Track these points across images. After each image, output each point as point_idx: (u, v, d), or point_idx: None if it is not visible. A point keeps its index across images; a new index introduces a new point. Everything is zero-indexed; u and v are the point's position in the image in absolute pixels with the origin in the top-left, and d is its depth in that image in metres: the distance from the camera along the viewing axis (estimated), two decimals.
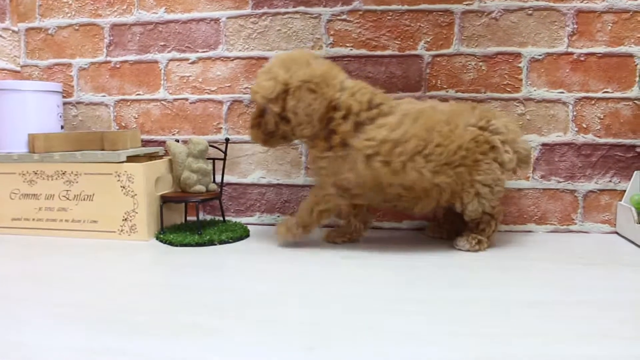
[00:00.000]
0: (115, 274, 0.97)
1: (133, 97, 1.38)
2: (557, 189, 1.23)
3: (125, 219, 1.20)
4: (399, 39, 1.25)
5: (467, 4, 1.22)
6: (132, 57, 1.37)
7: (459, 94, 1.24)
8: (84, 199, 1.23)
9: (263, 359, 0.61)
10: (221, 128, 1.34)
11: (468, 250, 1.07)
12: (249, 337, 0.67)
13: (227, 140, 1.26)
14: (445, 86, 1.25)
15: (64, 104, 1.40)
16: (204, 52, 1.33)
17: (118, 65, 1.38)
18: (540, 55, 1.21)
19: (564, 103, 1.22)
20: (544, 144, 1.23)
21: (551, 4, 1.20)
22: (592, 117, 1.21)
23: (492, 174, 1.03)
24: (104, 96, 1.40)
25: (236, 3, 1.31)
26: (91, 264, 1.03)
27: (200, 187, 1.22)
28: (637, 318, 0.72)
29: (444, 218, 1.19)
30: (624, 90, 1.20)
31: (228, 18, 1.31)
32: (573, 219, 1.23)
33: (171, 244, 1.16)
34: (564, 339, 0.65)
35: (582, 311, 0.75)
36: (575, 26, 1.20)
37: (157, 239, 1.20)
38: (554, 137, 1.22)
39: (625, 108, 1.20)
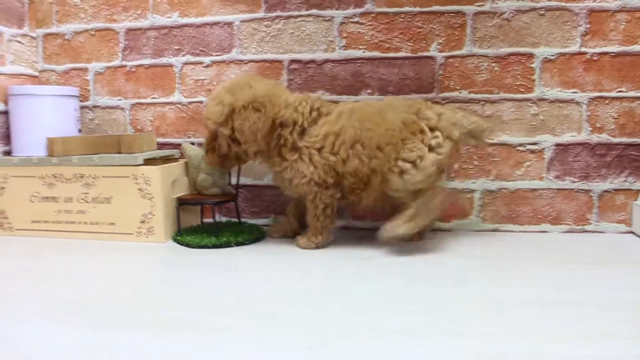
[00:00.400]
0: (134, 273, 0.98)
1: (148, 100, 1.40)
2: (572, 189, 1.23)
3: (143, 221, 1.22)
4: (412, 41, 1.26)
5: (479, 5, 1.23)
6: (147, 61, 1.39)
7: (472, 95, 1.25)
8: (102, 202, 1.24)
9: (275, 358, 0.63)
10: None
11: (402, 234, 1.05)
12: (261, 336, 0.68)
13: None
14: (458, 87, 1.25)
15: (81, 107, 1.42)
16: (218, 55, 1.35)
17: (133, 69, 1.40)
18: (553, 56, 1.22)
19: (578, 103, 1.22)
20: (557, 144, 1.23)
21: (563, 3, 1.20)
22: (606, 116, 1.21)
23: (417, 151, 1.05)
24: (119, 100, 1.42)
25: (249, 7, 1.32)
26: (109, 264, 1.05)
27: (215, 190, 1.23)
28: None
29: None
30: (638, 89, 1.20)
31: (241, 22, 1.33)
32: (588, 219, 1.23)
33: (188, 245, 1.17)
34: (565, 338, 0.66)
35: (585, 310, 0.75)
36: (588, 26, 1.20)
37: (174, 240, 1.22)
38: (567, 137, 1.23)
39: (639, 107, 1.20)
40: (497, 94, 1.24)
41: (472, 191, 1.27)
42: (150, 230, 1.22)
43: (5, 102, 1.34)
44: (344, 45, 1.29)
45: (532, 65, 1.22)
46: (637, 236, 1.19)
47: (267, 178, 1.35)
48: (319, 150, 1.08)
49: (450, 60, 1.25)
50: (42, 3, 1.43)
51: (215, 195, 1.23)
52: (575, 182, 1.23)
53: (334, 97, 1.29)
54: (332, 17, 1.28)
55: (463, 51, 1.25)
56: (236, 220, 1.33)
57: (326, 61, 1.30)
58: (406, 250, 1.09)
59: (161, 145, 1.39)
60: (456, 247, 1.12)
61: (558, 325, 0.70)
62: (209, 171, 1.23)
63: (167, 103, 1.38)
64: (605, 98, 1.20)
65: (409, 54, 1.26)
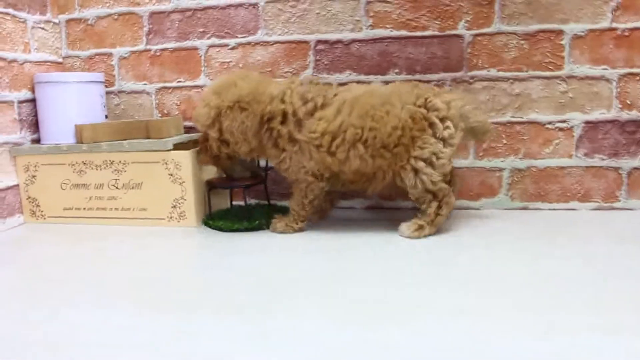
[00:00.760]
0: (170, 257, 1.00)
1: (174, 84, 1.40)
2: (601, 167, 1.24)
3: (174, 206, 1.23)
4: (439, 19, 1.25)
5: None
6: (171, 45, 1.38)
7: (501, 73, 1.24)
8: (132, 188, 1.25)
9: (322, 336, 0.64)
10: None
11: (409, 237, 1.06)
12: (328, 314, 0.70)
13: None
14: (486, 65, 1.25)
15: (106, 93, 1.42)
16: (243, 37, 1.34)
17: (158, 53, 1.39)
18: (582, 32, 1.21)
19: (608, 80, 1.21)
20: (587, 122, 1.23)
21: None
22: (637, 93, 1.20)
23: (430, 148, 1.03)
24: (145, 84, 1.41)
25: None
26: (143, 248, 1.07)
27: (246, 173, 1.24)
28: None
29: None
30: None
31: (266, 2, 1.32)
32: (617, 196, 1.24)
33: (220, 229, 1.18)
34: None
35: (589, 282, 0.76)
36: (619, 1, 1.18)
37: (205, 224, 1.23)
38: (597, 115, 1.22)
39: None
40: (526, 71, 1.23)
41: (501, 169, 1.27)
42: (181, 215, 1.23)
43: (32, 90, 1.33)
44: (370, 25, 1.28)
45: (561, 42, 1.21)
46: None
47: None
48: (317, 147, 1.06)
49: (479, 38, 1.24)
50: None
51: (245, 178, 1.24)
52: (604, 159, 1.23)
53: (362, 77, 1.29)
54: None
55: (491, 29, 1.24)
56: (265, 202, 1.33)
57: (353, 41, 1.29)
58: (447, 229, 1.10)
59: (188, 129, 1.39)
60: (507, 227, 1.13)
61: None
62: None
63: (194, 86, 1.38)
64: (636, 74, 1.20)
65: (437, 33, 1.26)
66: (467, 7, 1.24)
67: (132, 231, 1.21)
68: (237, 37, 1.34)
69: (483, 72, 1.25)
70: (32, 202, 1.32)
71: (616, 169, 1.23)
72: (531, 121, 1.25)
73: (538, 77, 1.23)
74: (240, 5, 1.33)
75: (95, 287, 0.86)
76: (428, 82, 1.26)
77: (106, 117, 1.39)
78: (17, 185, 1.31)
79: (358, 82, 1.29)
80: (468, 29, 1.24)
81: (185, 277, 0.90)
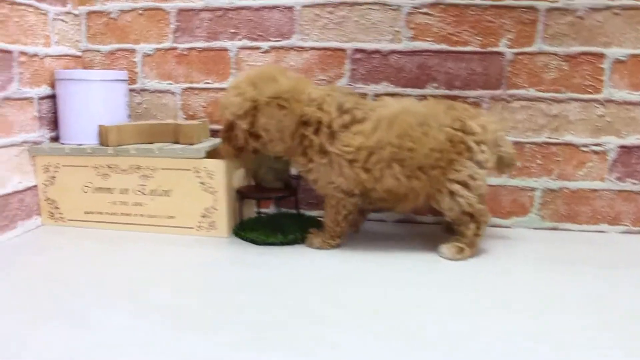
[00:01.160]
0: (203, 270, 0.97)
1: (201, 85, 1.35)
2: (632, 191, 1.25)
3: (204, 215, 1.20)
4: (481, 35, 1.23)
5: (552, 1, 1.20)
6: (200, 44, 1.33)
7: (539, 93, 1.23)
8: (160, 194, 1.21)
9: None
10: None
11: (450, 259, 1.06)
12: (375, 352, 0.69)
13: None
14: (525, 85, 1.24)
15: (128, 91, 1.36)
16: (276, 41, 1.30)
17: (185, 52, 1.34)
18: (624, 57, 1.20)
19: None
20: (621, 146, 1.23)
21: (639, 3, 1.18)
22: None
23: (466, 170, 1.03)
24: (170, 84, 1.36)
25: None
26: (172, 257, 1.05)
27: (279, 183, 1.21)
28: None
29: None
30: None
31: (303, 7, 1.27)
32: None
33: (254, 242, 1.15)
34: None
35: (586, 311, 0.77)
36: None
37: (236, 235, 1.20)
38: (632, 140, 1.23)
39: None
40: (564, 93, 1.23)
41: (533, 189, 1.27)
42: (212, 224, 1.20)
43: (51, 85, 1.27)
44: (411, 37, 1.25)
45: (602, 66, 1.21)
46: None
47: None
48: (350, 162, 1.03)
49: (520, 56, 1.23)
50: None
51: (277, 190, 1.21)
52: (636, 184, 1.24)
53: (398, 90, 1.26)
54: (400, 7, 1.24)
55: (533, 48, 1.22)
56: (294, 211, 1.31)
57: (392, 52, 1.26)
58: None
59: (214, 133, 1.34)
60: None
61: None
62: (271, 163, 1.20)
63: (222, 89, 1.33)
64: None
65: (478, 49, 1.24)
66: (510, 25, 1.22)
67: (158, 239, 1.17)
68: (270, 40, 1.30)
69: (522, 92, 1.24)
70: (51, 204, 1.27)
71: None
72: (567, 143, 1.25)
73: (576, 100, 1.23)
74: (274, 7, 1.28)
75: (116, 297, 0.83)
76: (466, 98, 1.24)
77: (129, 117, 1.33)
78: (36, 186, 1.25)
79: (394, 94, 1.26)
80: (510, 47, 1.23)
81: (217, 294, 0.87)
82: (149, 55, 1.35)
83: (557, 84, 1.23)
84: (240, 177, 1.25)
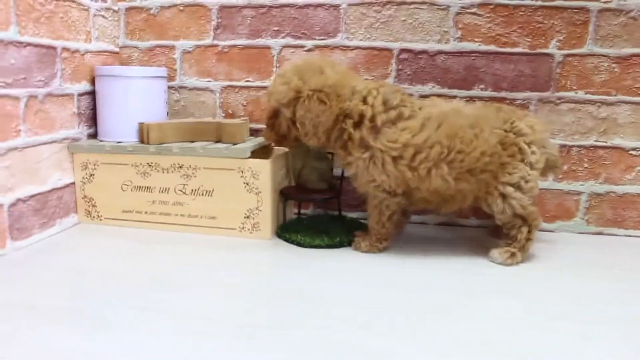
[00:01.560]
0: (259, 278, 0.94)
1: (241, 83, 1.32)
2: None
3: (247, 217, 1.17)
4: (531, 36, 1.21)
5: (605, 2, 1.18)
6: (241, 42, 1.30)
7: (588, 96, 1.21)
8: (202, 194, 1.19)
9: None
10: None
11: (501, 264, 1.04)
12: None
13: None
14: (574, 87, 1.22)
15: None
16: (321, 39, 1.27)
17: (226, 50, 1.31)
18: None
19: None
20: None
21: None
22: None
23: (519, 172, 1.01)
24: (209, 81, 1.34)
25: None
26: (218, 262, 1.02)
27: (323, 184, 1.19)
28: None
29: None
30: None
31: (349, 5, 1.25)
32: None
33: (299, 244, 1.13)
34: None
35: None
36: None
37: (279, 237, 1.18)
38: None
39: None
40: (615, 95, 1.21)
41: (579, 193, 1.25)
42: (255, 226, 1.17)
43: (91, 82, 1.24)
44: (459, 37, 1.23)
45: None
46: None
47: None
48: (395, 159, 1.00)
49: (569, 58, 1.21)
50: None
51: (321, 191, 1.19)
52: None
53: (445, 91, 1.24)
54: (448, 6, 1.22)
55: (583, 50, 1.20)
56: (335, 213, 1.28)
57: (439, 52, 1.24)
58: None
59: (254, 132, 1.32)
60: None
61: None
62: (315, 165, 1.18)
63: (263, 87, 1.31)
64: None
65: (527, 50, 1.22)
66: (561, 26, 1.20)
67: (199, 240, 1.15)
68: (314, 38, 1.28)
69: (570, 94, 1.22)
70: (88, 202, 1.24)
71: None
72: (615, 146, 1.23)
73: (626, 102, 1.21)
74: (320, 5, 1.26)
75: (153, 299, 0.81)
76: (513, 100, 1.22)
77: (167, 114, 1.30)
78: (74, 183, 1.23)
79: (440, 95, 1.24)
80: (559, 49, 1.21)
81: (265, 299, 0.84)
82: (188, 52, 1.33)
83: (607, 86, 1.21)
84: (282, 178, 1.23)
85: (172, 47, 1.33)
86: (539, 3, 1.19)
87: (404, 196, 1.06)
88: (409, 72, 1.25)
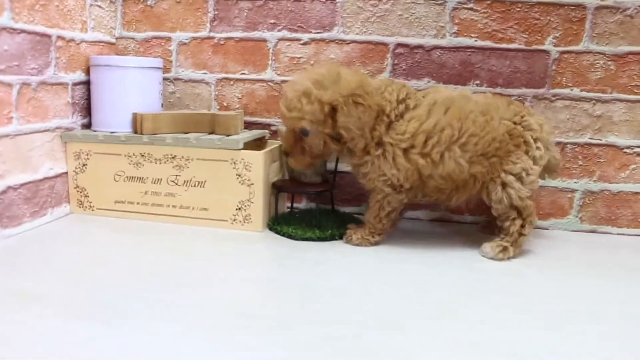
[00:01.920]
0: (250, 271, 0.94)
1: (237, 76, 1.32)
2: None
3: (239, 208, 1.17)
4: (527, 32, 1.21)
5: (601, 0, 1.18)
6: (238, 34, 1.30)
7: (584, 93, 1.21)
8: (194, 185, 1.18)
9: None
10: None
11: (492, 259, 1.04)
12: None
13: None
14: (570, 84, 1.21)
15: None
16: (317, 32, 1.27)
17: (222, 42, 1.31)
18: None
19: None
20: None
21: None
22: None
23: (522, 163, 1.02)
24: (205, 73, 1.33)
25: None
26: (210, 253, 1.01)
27: (317, 178, 1.18)
28: None
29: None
30: None
31: None
32: None
33: (290, 237, 1.13)
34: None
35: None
36: None
37: (271, 229, 1.17)
38: None
39: None
40: (610, 93, 1.21)
41: (574, 191, 1.25)
42: (246, 218, 1.17)
43: (85, 72, 1.24)
44: (455, 32, 1.23)
45: None
46: None
47: None
48: (405, 150, 1.00)
49: (565, 55, 1.21)
50: None
51: (314, 184, 1.18)
52: None
53: (440, 86, 1.24)
54: (445, 1, 1.22)
55: (579, 47, 1.20)
56: (328, 207, 1.28)
57: (435, 47, 1.24)
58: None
59: (248, 125, 1.32)
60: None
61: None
62: None
63: (258, 80, 1.31)
64: None
65: (523, 46, 1.21)
66: (557, 23, 1.20)
67: (191, 231, 1.14)
68: (310, 32, 1.27)
69: (566, 91, 1.22)
70: (81, 192, 1.24)
71: None
72: (609, 144, 1.22)
73: (622, 100, 1.21)
74: None
75: (146, 290, 0.80)
76: (509, 96, 1.22)
77: (162, 105, 1.30)
78: (66, 173, 1.22)
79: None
80: (555, 45, 1.21)
81: (257, 290, 0.84)
82: (184, 44, 1.33)
83: (603, 84, 1.20)
84: (275, 171, 1.23)
85: (169, 39, 1.33)
86: (536, 0, 1.19)
87: (414, 190, 1.05)
88: (404, 67, 1.25)
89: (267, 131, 1.30)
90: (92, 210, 1.24)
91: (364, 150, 1.02)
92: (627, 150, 1.22)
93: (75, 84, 1.22)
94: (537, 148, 1.03)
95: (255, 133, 1.25)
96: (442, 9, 1.22)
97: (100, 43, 1.30)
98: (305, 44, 1.28)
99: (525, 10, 1.20)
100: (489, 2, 1.21)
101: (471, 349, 0.68)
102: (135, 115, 1.21)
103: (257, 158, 1.14)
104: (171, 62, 1.34)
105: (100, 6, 1.28)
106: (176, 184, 1.19)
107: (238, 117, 1.21)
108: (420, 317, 0.77)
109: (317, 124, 1.00)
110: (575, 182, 1.24)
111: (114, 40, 1.35)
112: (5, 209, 1.03)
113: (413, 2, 1.23)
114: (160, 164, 1.19)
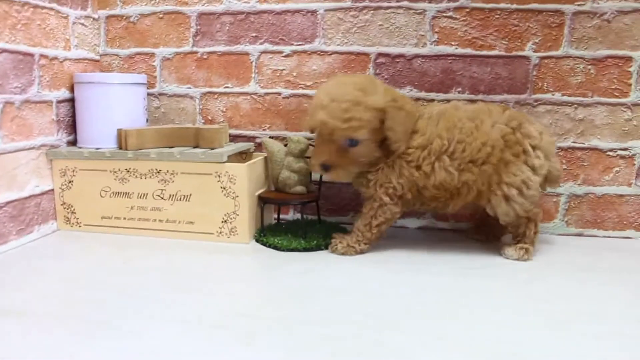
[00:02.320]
0: (240, 281, 0.94)
1: (221, 89, 1.33)
2: None
3: (225, 221, 1.17)
4: (507, 39, 1.22)
5: (579, 5, 1.19)
6: (220, 48, 1.31)
7: (565, 98, 1.22)
8: (180, 199, 1.19)
9: None
10: None
11: (517, 260, 1.06)
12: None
13: None
14: (551, 89, 1.22)
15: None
16: (299, 45, 1.28)
17: (205, 56, 1.32)
18: None
19: None
20: None
21: None
22: None
23: (521, 175, 1.02)
24: (189, 88, 1.34)
25: None
26: (197, 267, 1.01)
27: (301, 189, 1.19)
28: None
29: (482, 220, 1.19)
30: None
31: (326, 10, 1.26)
32: None
33: (276, 248, 1.13)
34: None
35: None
36: None
37: (257, 241, 1.17)
38: None
39: None
40: (591, 97, 1.21)
41: (559, 195, 1.25)
42: (232, 230, 1.17)
43: (70, 89, 1.25)
44: (435, 41, 1.24)
45: (629, 69, 1.20)
46: None
47: None
48: (408, 162, 1.03)
49: (545, 60, 1.22)
50: None
51: (300, 195, 1.19)
52: None
53: (422, 95, 1.25)
54: (424, 10, 1.23)
55: (559, 52, 1.21)
56: (314, 217, 1.28)
57: (416, 56, 1.25)
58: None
59: (233, 138, 1.33)
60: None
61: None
62: (294, 169, 1.18)
63: (242, 93, 1.32)
64: None
65: (503, 53, 1.22)
66: (536, 29, 1.21)
67: (177, 245, 1.15)
68: (292, 44, 1.28)
69: (547, 96, 1.22)
70: (67, 209, 1.24)
71: None
72: (592, 147, 1.23)
73: (603, 104, 1.21)
74: (297, 11, 1.27)
75: (135, 305, 0.80)
76: (491, 102, 1.22)
77: (147, 121, 1.31)
78: (52, 190, 1.23)
79: (418, 99, 1.25)
80: (535, 51, 1.21)
81: (245, 301, 0.84)
82: (168, 59, 1.34)
83: (584, 87, 1.21)
84: (260, 183, 1.23)
85: (152, 55, 1.34)
86: (515, 6, 1.20)
87: (411, 200, 1.07)
88: (386, 76, 1.26)
89: (252, 144, 1.31)
90: (79, 226, 1.24)
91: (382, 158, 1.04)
92: (610, 153, 1.22)
93: (59, 102, 1.23)
94: (537, 157, 1.03)
95: (239, 146, 1.25)
96: (421, 18, 1.23)
97: (84, 60, 1.31)
98: (287, 56, 1.29)
99: (505, 17, 1.21)
100: (468, 10, 1.22)
101: (461, 350, 0.68)
102: (119, 131, 1.21)
103: (241, 170, 1.14)
104: (155, 77, 1.35)
105: (83, 24, 1.29)
106: (162, 198, 1.20)
107: (222, 130, 1.22)
108: (406, 323, 0.77)
109: (371, 132, 0.99)
110: (560, 186, 1.24)
111: (98, 57, 1.36)
112: None
113: (393, 12, 1.24)
114: (145, 178, 1.20)
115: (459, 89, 1.24)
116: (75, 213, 1.24)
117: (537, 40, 1.21)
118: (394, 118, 0.98)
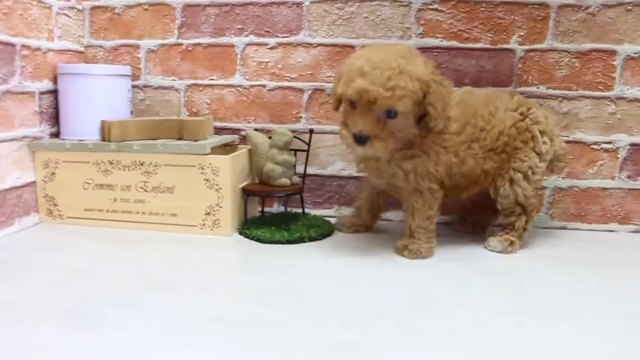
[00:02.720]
0: (220, 275, 0.94)
1: (206, 82, 1.32)
2: None
3: (208, 213, 1.17)
4: (492, 32, 1.22)
5: None
6: (206, 40, 1.31)
7: (550, 91, 1.22)
8: (163, 191, 1.18)
9: None
10: (301, 117, 1.30)
11: (500, 252, 1.06)
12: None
13: (311, 131, 1.22)
14: (536, 82, 1.22)
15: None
16: (284, 37, 1.28)
17: (190, 48, 1.31)
18: (636, 53, 1.19)
19: None
20: (632, 144, 1.22)
21: None
22: None
23: (528, 161, 1.03)
24: (174, 80, 1.33)
25: None
26: (180, 259, 1.01)
27: (285, 181, 1.18)
28: None
29: (469, 211, 1.19)
30: None
31: (312, 2, 1.25)
32: None
33: (259, 240, 1.12)
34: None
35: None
36: None
37: (240, 233, 1.17)
38: None
39: None
40: (576, 90, 1.21)
41: (543, 188, 1.25)
42: (215, 222, 1.16)
43: (53, 81, 1.24)
44: (420, 33, 1.23)
45: (613, 63, 1.20)
46: None
47: (331, 168, 1.30)
48: (445, 147, 0.98)
49: (530, 54, 1.21)
50: None
51: (284, 187, 1.18)
52: None
53: None
54: (410, 3, 1.22)
55: (544, 45, 1.21)
56: (298, 210, 1.28)
57: None
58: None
59: (218, 130, 1.32)
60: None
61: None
62: (278, 161, 1.18)
63: (227, 85, 1.31)
64: None
65: (488, 46, 1.22)
66: (521, 22, 1.21)
67: (160, 237, 1.14)
68: (277, 36, 1.28)
69: (532, 89, 1.22)
70: (50, 201, 1.23)
71: None
72: (577, 140, 1.23)
73: (587, 97, 1.21)
74: (283, 3, 1.26)
75: (117, 298, 0.79)
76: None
77: (131, 113, 1.30)
78: (35, 182, 1.22)
79: None
80: (520, 44, 1.21)
81: (227, 294, 0.84)
82: (153, 51, 1.33)
83: (568, 81, 1.21)
84: (244, 175, 1.23)
85: (137, 46, 1.33)
86: None
87: (445, 190, 1.04)
88: None
89: (236, 136, 1.30)
90: (62, 218, 1.23)
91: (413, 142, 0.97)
92: (594, 147, 1.23)
93: (42, 93, 1.22)
94: (544, 142, 1.04)
95: (223, 138, 1.25)
96: (407, 11, 1.23)
97: (68, 52, 1.30)
98: (272, 48, 1.28)
99: (490, 10, 1.21)
100: (453, 2, 1.21)
101: (446, 344, 0.68)
102: (103, 123, 1.20)
103: (224, 162, 1.14)
104: (140, 69, 1.34)
105: (67, 15, 1.28)
106: (145, 190, 1.19)
107: (206, 122, 1.21)
108: (389, 316, 0.77)
109: (413, 104, 0.90)
110: (544, 179, 1.24)
111: (82, 49, 1.35)
112: None
113: (378, 5, 1.23)
114: (128, 171, 1.19)
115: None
116: (57, 205, 1.23)
117: (522, 33, 1.21)
118: (435, 93, 0.91)
